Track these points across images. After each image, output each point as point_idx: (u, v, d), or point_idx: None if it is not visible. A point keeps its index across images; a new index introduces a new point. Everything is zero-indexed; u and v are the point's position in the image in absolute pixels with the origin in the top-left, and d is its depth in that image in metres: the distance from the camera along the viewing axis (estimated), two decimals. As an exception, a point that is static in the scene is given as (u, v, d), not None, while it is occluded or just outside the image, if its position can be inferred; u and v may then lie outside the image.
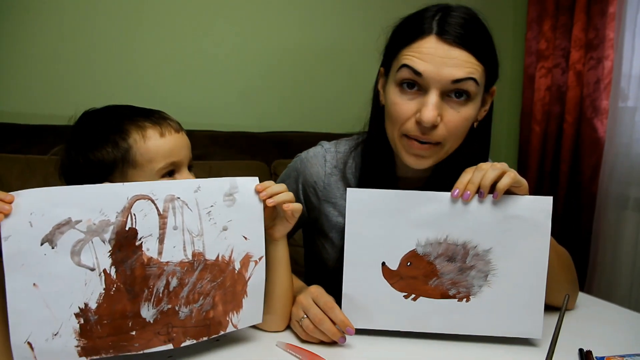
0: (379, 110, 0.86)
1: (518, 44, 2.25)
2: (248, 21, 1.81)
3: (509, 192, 0.73)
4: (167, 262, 0.65)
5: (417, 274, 0.75)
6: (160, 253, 0.64)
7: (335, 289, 0.79)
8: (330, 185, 0.93)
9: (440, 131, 0.77)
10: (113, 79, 1.59)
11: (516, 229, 0.74)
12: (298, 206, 0.74)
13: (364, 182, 0.89)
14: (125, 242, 0.62)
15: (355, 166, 0.93)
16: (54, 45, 1.51)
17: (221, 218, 0.69)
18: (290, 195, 0.74)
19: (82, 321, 0.60)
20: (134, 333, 0.64)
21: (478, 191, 0.72)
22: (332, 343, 0.75)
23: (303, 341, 0.77)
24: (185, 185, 0.66)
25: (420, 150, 0.79)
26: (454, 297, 0.76)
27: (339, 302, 0.77)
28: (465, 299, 0.76)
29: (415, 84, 0.77)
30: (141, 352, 0.65)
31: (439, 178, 0.86)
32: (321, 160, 0.94)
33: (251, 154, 1.53)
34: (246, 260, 0.72)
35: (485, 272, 0.75)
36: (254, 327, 0.79)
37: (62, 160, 0.77)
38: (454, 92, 0.76)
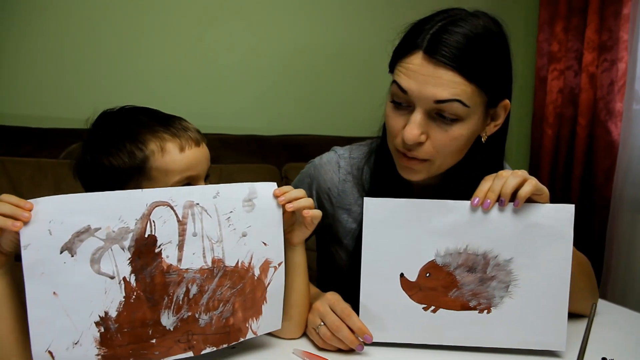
0: None
1: (529, 47, 2.22)
2: (259, 24, 1.80)
3: (530, 200, 0.71)
4: (187, 269, 0.64)
5: (436, 285, 0.74)
6: (179, 260, 0.64)
7: (349, 294, 0.78)
8: (344, 192, 0.92)
9: (427, 149, 0.75)
10: (124, 83, 1.58)
11: (538, 238, 0.72)
12: (318, 213, 0.74)
13: (378, 188, 0.88)
14: (144, 250, 0.61)
15: (370, 172, 0.91)
16: (66, 49, 1.50)
17: (240, 224, 0.68)
18: (310, 201, 0.73)
19: (102, 330, 0.60)
20: (154, 341, 0.63)
21: (498, 199, 0.71)
22: (350, 351, 0.74)
23: (320, 349, 0.75)
24: (204, 191, 0.65)
25: (408, 164, 0.78)
26: (474, 308, 0.74)
27: (355, 308, 0.75)
28: (486, 311, 0.74)
29: (406, 100, 0.75)
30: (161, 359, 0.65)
31: (453, 183, 0.84)
32: (335, 167, 0.93)
33: (262, 158, 1.52)
34: (265, 266, 0.71)
35: (506, 282, 0.73)
36: (270, 334, 0.78)
37: (77, 161, 0.75)
38: (440, 112, 0.73)
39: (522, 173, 0.70)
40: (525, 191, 0.69)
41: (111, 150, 0.71)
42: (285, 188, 0.72)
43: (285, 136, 1.69)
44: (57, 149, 1.22)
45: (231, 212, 0.67)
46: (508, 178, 0.70)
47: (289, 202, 0.71)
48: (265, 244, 0.70)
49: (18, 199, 0.56)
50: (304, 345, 0.77)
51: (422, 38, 0.73)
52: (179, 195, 0.63)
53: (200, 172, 0.74)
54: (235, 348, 0.74)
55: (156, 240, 0.62)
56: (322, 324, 0.74)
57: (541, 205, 0.71)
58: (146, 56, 1.64)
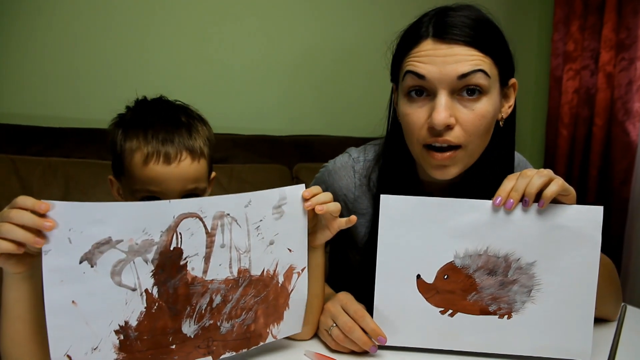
0: (395, 126, 0.82)
1: (544, 46, 2.19)
2: (271, 25, 1.78)
3: (555, 201, 0.68)
4: (212, 280, 0.62)
5: (454, 288, 0.71)
6: (205, 272, 0.62)
7: (362, 294, 0.75)
8: (360, 197, 0.89)
9: (457, 133, 0.73)
10: (135, 84, 1.56)
11: (563, 241, 0.69)
12: (343, 221, 0.72)
13: (386, 191, 0.85)
14: (169, 262, 0.59)
15: (377, 176, 0.89)
16: (78, 50, 1.50)
17: (269, 232, 0.66)
18: (337, 206, 0.71)
19: (122, 337, 0.59)
20: (174, 347, 0.62)
21: (522, 199, 0.67)
22: (363, 353, 0.72)
23: (332, 351, 0.73)
24: (236, 200, 0.63)
25: (442, 160, 0.75)
26: (494, 313, 0.71)
27: (368, 309, 0.73)
28: (506, 316, 0.71)
29: (423, 90, 0.74)
30: None
31: (466, 181, 0.81)
32: (350, 172, 0.90)
33: (273, 158, 1.49)
34: (289, 272, 0.69)
35: (528, 287, 0.70)
36: None
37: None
38: (465, 89, 0.72)
39: (548, 172, 0.67)
40: (551, 191, 0.66)
41: (113, 134, 0.75)
42: (313, 189, 0.70)
43: (296, 136, 1.67)
44: (67, 148, 1.22)
45: (261, 220, 0.65)
46: (533, 177, 0.66)
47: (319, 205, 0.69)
48: (290, 250, 0.69)
49: (34, 202, 0.53)
50: (315, 346, 0.75)
51: (426, 27, 0.74)
52: (209, 205, 0.60)
53: (166, 191, 0.72)
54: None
55: (182, 253, 0.59)
56: (335, 325, 0.72)
57: (567, 207, 0.68)
58: (158, 57, 1.63)
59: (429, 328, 0.72)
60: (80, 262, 0.55)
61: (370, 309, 0.73)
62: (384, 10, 1.90)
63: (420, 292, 0.71)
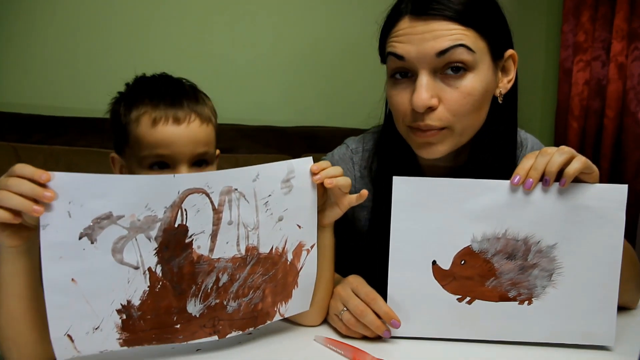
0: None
1: (553, 38, 2.15)
2: (276, 16, 1.76)
3: (576, 180, 0.65)
4: (219, 258, 0.60)
5: (472, 274, 0.68)
6: (212, 250, 0.59)
7: (370, 280, 0.73)
8: (361, 189, 0.86)
9: (440, 114, 0.70)
10: (138, 73, 1.56)
11: (586, 222, 0.65)
12: (354, 197, 0.69)
13: (384, 177, 0.82)
14: (173, 240, 0.56)
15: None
16: (79, 40, 1.49)
17: (278, 208, 0.63)
18: (347, 180, 0.67)
19: (124, 317, 0.56)
20: (178, 326, 0.60)
21: (542, 179, 0.64)
22: (376, 338, 0.69)
23: (343, 336, 0.70)
24: (243, 174, 0.60)
25: (425, 138, 0.72)
26: (514, 299, 0.68)
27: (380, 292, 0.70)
28: (527, 302, 0.68)
29: (407, 71, 0.71)
30: (185, 343, 0.62)
31: (468, 165, 0.78)
32: (349, 164, 0.87)
33: (278, 148, 1.47)
34: (299, 249, 0.66)
35: (549, 270, 0.67)
36: (288, 320, 0.73)
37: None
38: (448, 67, 0.69)
39: (569, 149, 0.64)
40: (573, 168, 0.62)
41: (115, 109, 0.73)
42: (322, 164, 0.67)
43: (301, 127, 1.65)
44: (69, 137, 1.21)
45: (269, 195, 0.62)
46: (553, 155, 0.63)
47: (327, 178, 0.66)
48: (299, 226, 0.66)
49: (33, 170, 0.50)
50: (325, 332, 0.72)
51: (406, 4, 0.71)
52: (216, 180, 0.57)
53: (176, 154, 0.69)
54: (251, 334, 0.70)
55: (187, 230, 0.57)
56: (345, 309, 0.69)
57: (590, 185, 0.65)
58: (163, 47, 1.61)
59: (446, 317, 0.69)
60: (80, 238, 0.52)
61: (380, 294, 0.70)
62: (392, 1, 1.88)
63: (436, 279, 0.68)
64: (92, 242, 0.52)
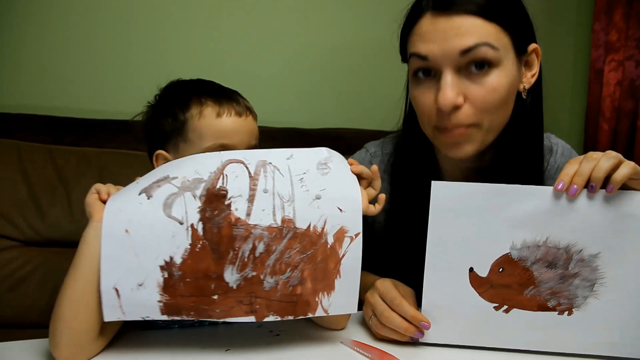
0: (412, 110, 0.79)
1: (583, 37, 2.10)
2: (300, 19, 1.77)
3: (624, 186, 0.62)
4: (255, 224, 0.63)
5: (510, 282, 0.66)
6: (248, 214, 0.63)
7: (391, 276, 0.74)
8: (381, 192, 0.86)
9: (467, 111, 0.69)
10: (162, 79, 1.57)
11: (631, 231, 0.63)
12: (383, 196, 0.70)
13: (403, 180, 0.83)
14: (214, 200, 0.62)
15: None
16: (110, 49, 1.52)
17: (314, 186, 0.64)
18: (379, 183, 0.70)
19: (166, 275, 0.61)
20: (215, 297, 0.63)
21: (587, 185, 0.62)
22: (407, 343, 0.69)
23: (379, 340, 0.70)
24: (277, 153, 0.65)
25: (454, 138, 0.71)
26: (553, 309, 0.66)
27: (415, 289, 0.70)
28: (567, 312, 0.66)
29: (430, 70, 0.70)
30: (222, 320, 0.64)
31: (491, 166, 0.77)
32: (368, 167, 0.87)
33: (304, 151, 1.47)
34: (340, 234, 0.65)
35: (591, 280, 0.65)
36: (314, 323, 0.74)
37: (144, 122, 0.81)
38: (472, 64, 0.67)
39: (616, 154, 0.62)
40: (621, 174, 0.60)
41: (161, 113, 0.76)
42: (353, 160, 0.70)
43: (324, 129, 1.65)
44: (100, 139, 1.23)
45: (304, 173, 0.65)
46: (600, 160, 0.61)
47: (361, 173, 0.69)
48: (341, 210, 0.66)
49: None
50: (351, 334, 0.73)
51: (426, 1, 0.69)
52: (253, 155, 0.64)
53: (237, 143, 0.74)
54: (279, 335, 0.71)
55: (227, 192, 0.62)
56: (374, 315, 0.69)
57: (639, 193, 0.62)
58: (187, 52, 1.63)
59: (482, 325, 0.67)
60: (139, 194, 0.61)
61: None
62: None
63: (472, 286, 0.67)
64: (148, 198, 0.61)
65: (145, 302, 0.61)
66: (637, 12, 1.82)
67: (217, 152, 0.63)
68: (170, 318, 0.62)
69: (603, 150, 1.91)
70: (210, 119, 0.73)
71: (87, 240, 0.61)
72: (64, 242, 1.12)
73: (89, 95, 1.47)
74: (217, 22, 1.66)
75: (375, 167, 0.70)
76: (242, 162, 0.63)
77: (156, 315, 0.62)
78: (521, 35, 0.71)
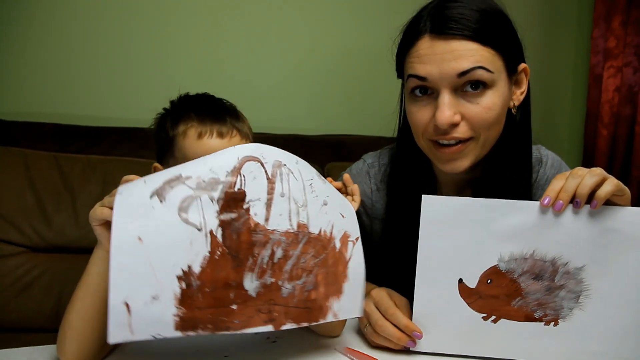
0: (407, 121, 0.81)
1: (582, 43, 2.11)
2: (303, 26, 1.78)
3: (607, 202, 0.65)
4: (273, 230, 0.62)
5: (498, 293, 0.68)
6: (267, 220, 0.61)
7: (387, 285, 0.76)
8: (378, 202, 0.89)
9: (463, 128, 0.73)
10: (167, 87, 1.59)
11: (614, 245, 0.65)
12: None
13: (399, 191, 0.85)
14: (233, 203, 0.59)
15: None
16: (116, 56, 1.54)
17: (321, 192, 0.66)
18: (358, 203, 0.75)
19: (184, 285, 0.56)
20: (234, 307, 0.59)
21: (572, 201, 0.64)
22: (400, 351, 0.71)
23: (372, 348, 0.73)
24: (288, 155, 0.64)
25: (451, 154, 0.74)
26: (540, 320, 0.68)
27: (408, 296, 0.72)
28: (553, 323, 0.68)
29: (427, 88, 0.73)
30: (240, 331, 0.60)
31: (482, 177, 0.81)
32: (365, 178, 0.90)
33: (305, 157, 1.47)
34: (345, 239, 0.68)
35: (576, 292, 0.67)
36: (311, 330, 0.76)
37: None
38: (468, 84, 0.71)
39: (600, 171, 0.64)
40: (605, 191, 0.62)
41: (160, 126, 0.78)
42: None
43: (327, 136, 1.66)
44: (105, 146, 1.26)
45: (312, 179, 0.66)
46: (584, 177, 0.63)
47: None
48: (343, 215, 0.68)
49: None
50: (346, 342, 0.75)
51: (424, 22, 0.72)
52: (270, 153, 0.62)
53: None
54: (275, 342, 0.73)
55: (245, 196, 0.60)
56: (368, 324, 0.72)
57: (621, 209, 0.65)
58: (193, 59, 1.65)
59: (471, 334, 0.70)
60: (151, 197, 0.55)
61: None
62: (416, 11, 1.88)
63: (462, 297, 0.69)
64: (161, 201, 0.55)
65: (159, 317, 0.55)
66: (635, 19, 1.84)
67: (232, 147, 0.60)
68: (185, 334, 0.56)
69: (601, 157, 1.92)
70: (192, 140, 0.73)
71: (97, 263, 0.60)
72: (69, 248, 1.15)
73: (94, 103, 1.49)
74: (220, 30, 1.68)
75: (347, 175, 0.76)
76: (259, 161, 0.61)
77: (169, 332, 0.56)
78: (512, 57, 0.75)
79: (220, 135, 0.74)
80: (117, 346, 0.69)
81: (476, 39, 0.70)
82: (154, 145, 0.81)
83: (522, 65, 0.77)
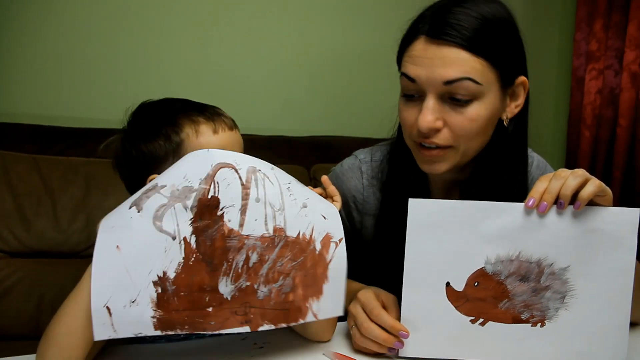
0: None
1: (565, 46, 2.14)
2: (289, 27, 1.78)
3: (590, 202, 0.65)
4: (248, 235, 0.62)
5: (485, 296, 0.68)
6: (241, 225, 0.62)
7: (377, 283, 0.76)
8: (369, 197, 0.89)
9: (445, 135, 0.73)
10: (153, 86, 1.58)
11: (598, 245, 0.66)
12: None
13: (393, 188, 0.86)
14: (206, 211, 0.60)
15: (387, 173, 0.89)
16: (98, 55, 1.52)
17: (300, 194, 0.66)
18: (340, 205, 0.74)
19: (159, 290, 0.59)
20: (210, 309, 0.61)
21: (556, 202, 0.65)
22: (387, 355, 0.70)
23: (357, 352, 0.72)
24: (263, 162, 0.65)
25: (430, 156, 0.75)
26: (527, 321, 0.69)
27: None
28: (539, 324, 0.68)
29: (417, 90, 0.73)
30: (217, 332, 0.62)
31: (473, 178, 0.81)
32: (357, 173, 0.90)
33: (290, 158, 1.48)
34: (326, 240, 0.67)
35: (562, 293, 0.68)
36: (299, 334, 0.75)
37: (116, 152, 0.76)
38: (454, 93, 0.70)
39: (583, 172, 0.64)
40: (588, 192, 0.63)
41: (149, 137, 0.72)
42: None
43: (313, 137, 1.66)
44: (87, 148, 1.24)
45: (289, 183, 0.66)
46: (567, 178, 0.64)
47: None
48: (324, 217, 0.68)
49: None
50: (334, 346, 0.74)
51: (424, 23, 0.72)
52: (243, 160, 0.63)
53: None
54: (263, 348, 0.72)
55: (219, 202, 0.61)
56: (354, 325, 0.71)
57: (604, 209, 0.65)
58: (174, 59, 1.63)
59: (460, 338, 0.69)
60: (130, 208, 0.59)
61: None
62: (404, 11, 1.88)
63: (449, 300, 0.69)
64: (138, 211, 0.58)
65: (138, 319, 0.58)
66: (616, 23, 1.87)
67: (205, 151, 0.61)
68: (164, 333, 0.60)
69: (584, 158, 1.95)
70: (208, 136, 0.71)
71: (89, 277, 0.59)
72: (49, 252, 1.13)
73: (76, 103, 1.47)
74: (206, 30, 1.67)
75: (325, 177, 0.75)
76: (233, 167, 0.61)
77: (149, 331, 0.59)
78: (509, 69, 0.73)
79: (231, 128, 0.75)
80: (98, 357, 0.68)
81: (469, 48, 0.69)
82: (132, 163, 0.73)
83: (521, 78, 0.75)
